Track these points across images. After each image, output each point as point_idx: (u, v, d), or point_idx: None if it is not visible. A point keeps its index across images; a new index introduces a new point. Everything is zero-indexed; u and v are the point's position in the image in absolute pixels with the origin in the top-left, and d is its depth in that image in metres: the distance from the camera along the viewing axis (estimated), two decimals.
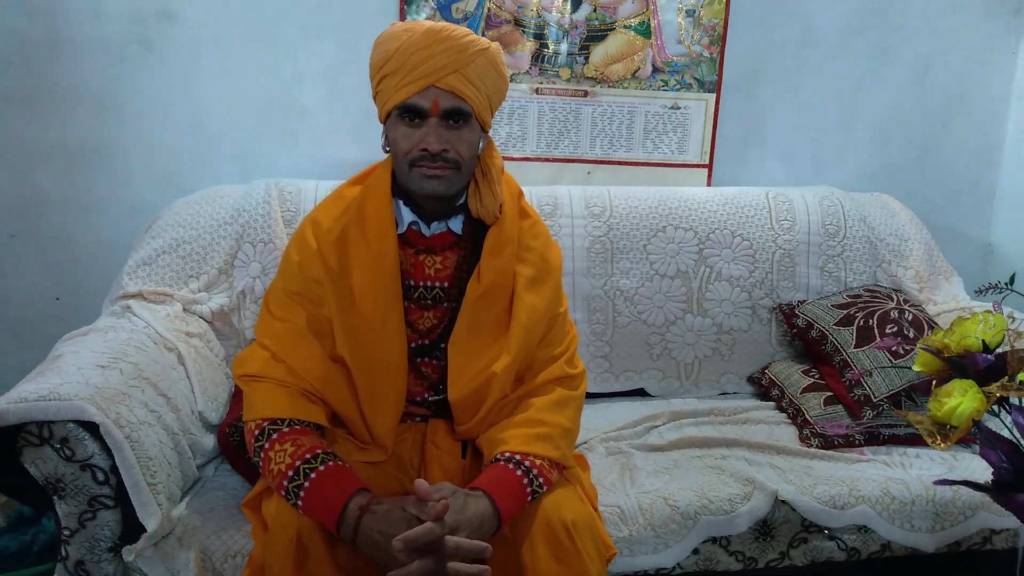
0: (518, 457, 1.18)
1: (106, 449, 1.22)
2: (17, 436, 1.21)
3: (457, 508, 1.10)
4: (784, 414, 1.82)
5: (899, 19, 2.19)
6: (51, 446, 1.21)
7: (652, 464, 1.56)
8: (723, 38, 2.09)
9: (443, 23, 1.23)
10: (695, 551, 1.44)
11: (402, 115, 1.22)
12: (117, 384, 1.29)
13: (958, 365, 1.17)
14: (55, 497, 1.24)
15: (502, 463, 1.18)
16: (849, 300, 1.87)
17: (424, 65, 1.18)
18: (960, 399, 1.10)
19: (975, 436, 1.18)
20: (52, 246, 1.98)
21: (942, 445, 1.11)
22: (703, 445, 1.65)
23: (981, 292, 1.28)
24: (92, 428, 1.21)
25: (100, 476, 1.24)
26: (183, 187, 1.92)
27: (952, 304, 1.98)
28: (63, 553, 1.26)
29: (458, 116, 1.21)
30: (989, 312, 1.18)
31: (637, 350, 1.91)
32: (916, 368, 1.23)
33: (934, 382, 1.18)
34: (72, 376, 1.27)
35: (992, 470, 1.17)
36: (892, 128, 2.27)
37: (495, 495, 1.13)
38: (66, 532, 1.25)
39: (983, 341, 1.15)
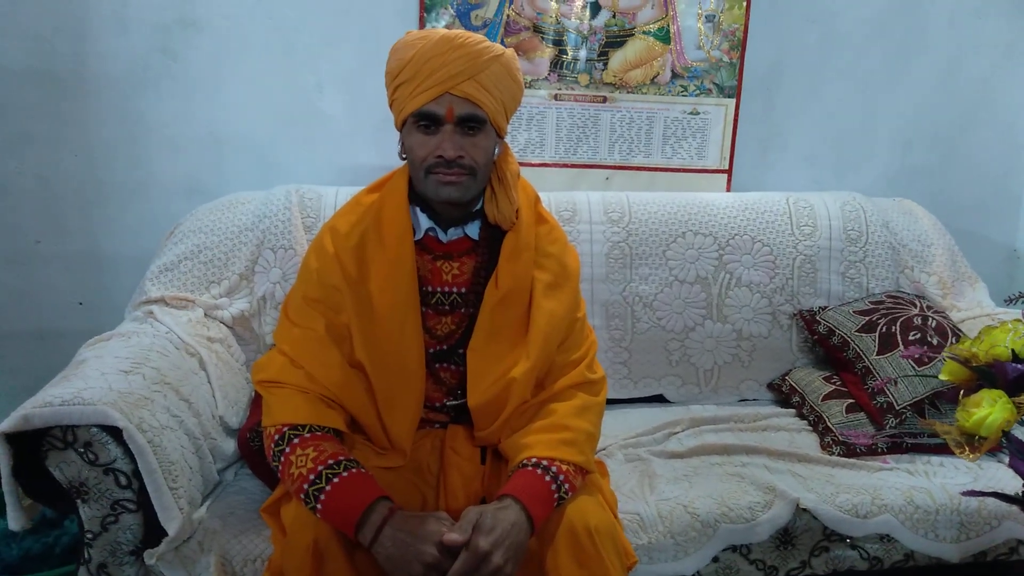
0: (545, 462, 1.18)
1: (129, 453, 1.23)
2: (42, 440, 1.22)
3: (487, 528, 1.09)
4: (805, 421, 1.80)
5: (922, 21, 2.16)
6: (75, 450, 1.22)
7: (671, 471, 1.55)
8: (743, 43, 2.07)
9: (457, 31, 1.24)
10: (715, 559, 1.43)
11: (417, 122, 1.23)
12: (140, 389, 1.30)
13: (987, 375, 1.15)
14: (78, 500, 1.25)
15: (530, 468, 1.17)
16: (871, 306, 1.84)
17: (439, 72, 1.19)
18: (989, 409, 1.08)
19: (1003, 446, 1.15)
20: (76, 252, 2.00)
21: (971, 456, 1.09)
22: (723, 452, 1.63)
23: (1011, 301, 1.26)
24: (115, 432, 1.22)
25: (123, 480, 1.25)
26: (205, 194, 1.94)
27: (977, 311, 1.95)
28: (85, 556, 1.27)
29: (473, 123, 1.22)
30: (1019, 321, 1.16)
31: (656, 356, 1.90)
32: (943, 377, 1.21)
33: (962, 391, 1.16)
34: (95, 381, 1.28)
35: (1022, 481, 1.15)
36: (915, 132, 2.24)
37: (526, 501, 1.13)
38: (89, 535, 1.27)
39: (1013, 351, 1.13)
